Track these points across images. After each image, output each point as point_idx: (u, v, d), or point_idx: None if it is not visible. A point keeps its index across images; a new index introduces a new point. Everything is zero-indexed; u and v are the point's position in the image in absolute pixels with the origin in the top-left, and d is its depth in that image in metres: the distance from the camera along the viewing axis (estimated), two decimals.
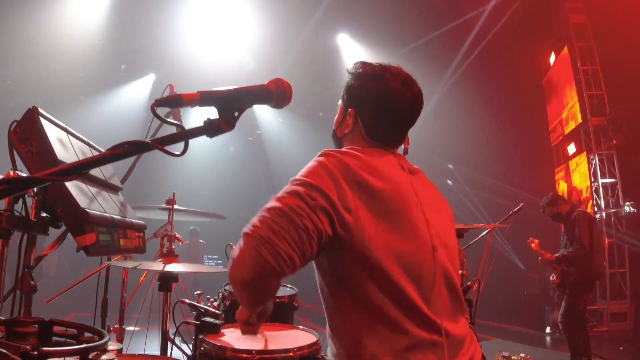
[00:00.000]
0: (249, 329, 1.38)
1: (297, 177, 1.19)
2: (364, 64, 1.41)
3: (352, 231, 1.15)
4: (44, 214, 1.49)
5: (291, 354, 1.72)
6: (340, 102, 1.46)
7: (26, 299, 1.53)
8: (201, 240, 9.62)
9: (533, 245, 4.89)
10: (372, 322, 1.16)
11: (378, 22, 9.72)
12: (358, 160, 1.22)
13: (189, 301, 2.08)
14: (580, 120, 8.88)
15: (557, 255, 4.78)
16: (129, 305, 3.09)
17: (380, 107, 1.35)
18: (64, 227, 1.54)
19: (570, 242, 4.79)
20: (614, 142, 8.07)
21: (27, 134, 1.40)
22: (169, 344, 2.46)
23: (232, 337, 1.92)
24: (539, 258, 4.90)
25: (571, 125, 9.32)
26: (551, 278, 4.98)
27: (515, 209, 4.03)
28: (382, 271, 1.15)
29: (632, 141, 7.78)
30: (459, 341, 1.23)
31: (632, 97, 7.71)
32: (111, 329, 2.69)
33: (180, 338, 2.36)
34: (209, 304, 2.27)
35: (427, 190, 1.36)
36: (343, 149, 1.28)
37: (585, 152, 8.83)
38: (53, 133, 1.48)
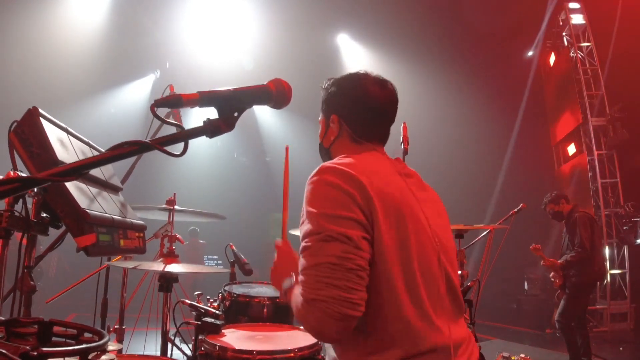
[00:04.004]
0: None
1: (313, 209, 1.16)
2: (335, 78, 1.47)
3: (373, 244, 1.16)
4: (44, 214, 1.49)
5: (292, 354, 1.72)
6: (320, 117, 1.50)
7: (26, 300, 1.52)
8: (201, 241, 9.60)
9: (535, 251, 4.86)
10: (383, 332, 1.17)
11: (378, 23, 9.72)
12: (358, 168, 1.21)
13: (189, 301, 2.08)
14: (580, 120, 8.87)
15: (561, 261, 4.75)
16: (129, 306, 3.09)
17: (361, 105, 1.40)
18: (63, 228, 1.54)
19: (571, 243, 4.78)
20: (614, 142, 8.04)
21: (28, 134, 1.39)
22: (169, 345, 2.45)
23: (233, 338, 1.92)
24: (541, 262, 4.87)
25: (571, 125, 9.31)
26: (552, 278, 4.95)
27: (515, 210, 4.02)
28: (397, 277, 1.16)
29: (632, 141, 7.77)
30: (459, 343, 1.24)
31: (632, 97, 7.71)
32: (111, 329, 2.69)
33: (180, 338, 2.36)
34: (209, 305, 2.27)
35: (425, 193, 1.37)
36: (337, 160, 1.27)
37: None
38: (53, 133, 1.48)
